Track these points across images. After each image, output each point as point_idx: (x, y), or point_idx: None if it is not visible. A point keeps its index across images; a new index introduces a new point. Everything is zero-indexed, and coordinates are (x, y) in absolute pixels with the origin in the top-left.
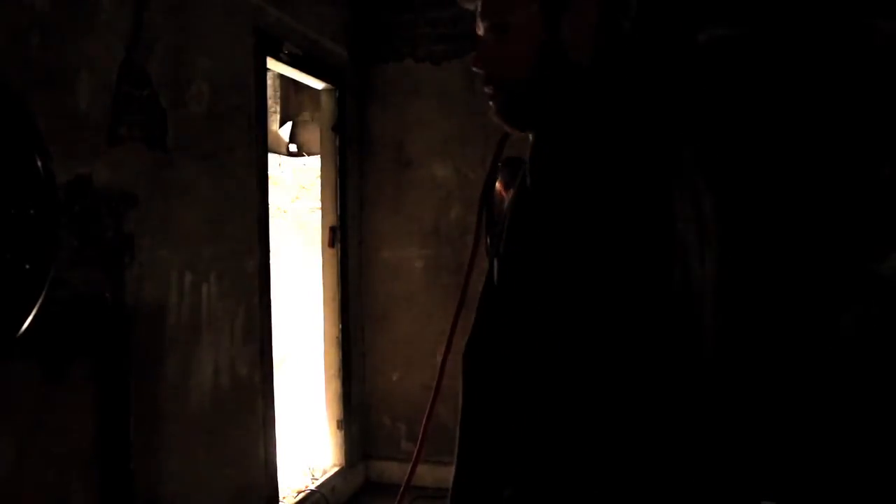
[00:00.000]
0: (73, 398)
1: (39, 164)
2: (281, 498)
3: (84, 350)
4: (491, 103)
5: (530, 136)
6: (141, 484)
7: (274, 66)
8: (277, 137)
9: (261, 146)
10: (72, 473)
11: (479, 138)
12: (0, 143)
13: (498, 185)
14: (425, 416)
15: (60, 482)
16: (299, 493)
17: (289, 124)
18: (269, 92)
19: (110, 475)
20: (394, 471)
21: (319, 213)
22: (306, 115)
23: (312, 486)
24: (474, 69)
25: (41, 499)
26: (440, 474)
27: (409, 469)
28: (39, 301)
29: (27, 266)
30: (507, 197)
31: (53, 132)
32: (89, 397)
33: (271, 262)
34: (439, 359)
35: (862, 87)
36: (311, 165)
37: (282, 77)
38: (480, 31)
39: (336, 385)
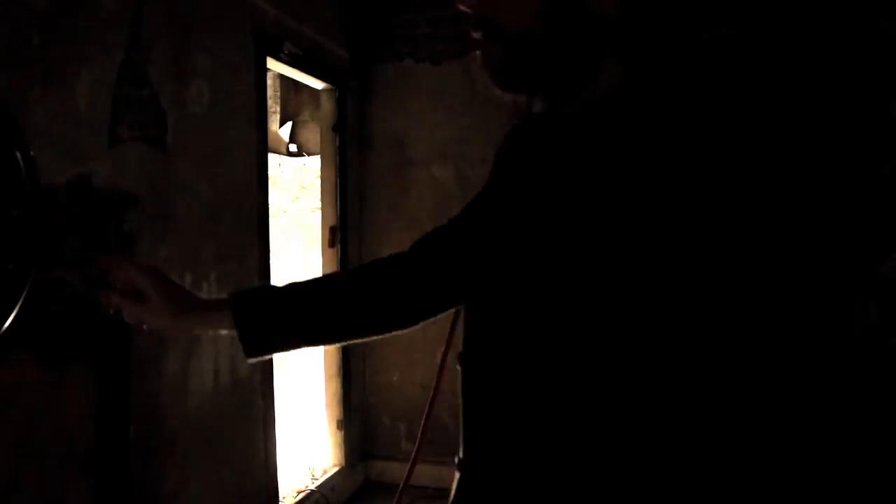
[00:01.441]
0: (73, 398)
1: (22, 164)
2: (281, 498)
3: (84, 350)
4: (479, 52)
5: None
6: (140, 484)
7: (274, 66)
8: (277, 137)
9: (261, 146)
10: (71, 473)
11: (479, 138)
12: None
13: None
14: (424, 415)
15: (59, 482)
16: (299, 493)
17: (289, 124)
18: (269, 92)
19: (109, 475)
20: (394, 471)
21: (319, 213)
22: (306, 115)
23: (312, 486)
24: (460, 7)
25: (40, 499)
26: (440, 474)
27: (408, 469)
28: (19, 302)
29: (10, 267)
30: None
31: (53, 132)
32: (89, 397)
33: (271, 262)
34: (439, 359)
35: (862, 86)
36: (311, 165)
37: (282, 77)
38: None
39: (336, 385)
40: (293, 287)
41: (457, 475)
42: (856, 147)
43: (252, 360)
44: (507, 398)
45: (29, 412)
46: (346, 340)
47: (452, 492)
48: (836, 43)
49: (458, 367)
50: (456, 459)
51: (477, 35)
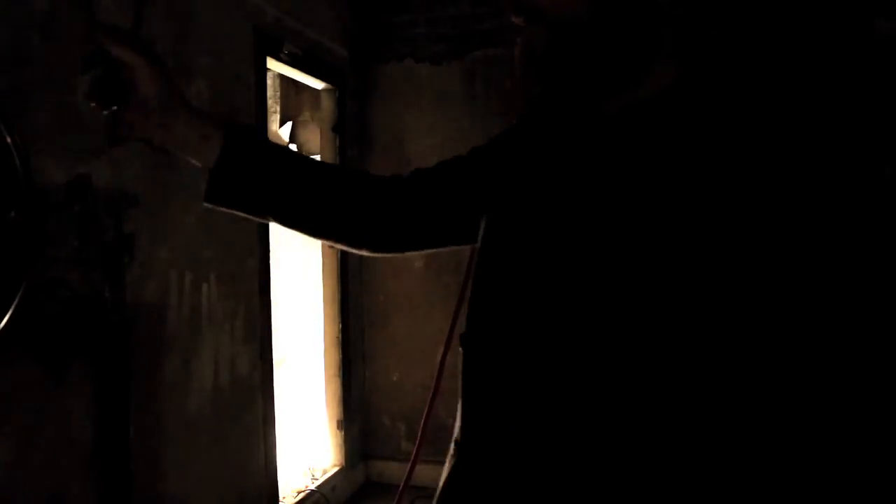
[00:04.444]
0: (73, 398)
1: (18, 164)
2: (281, 498)
3: (84, 350)
4: (519, 40)
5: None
6: (141, 484)
7: (274, 66)
8: (277, 137)
9: None
10: (71, 473)
11: (479, 139)
12: None
13: None
14: (424, 415)
15: (60, 482)
16: (299, 493)
17: (289, 124)
18: (269, 92)
19: (110, 475)
20: (394, 471)
21: None
22: (306, 115)
23: (312, 486)
24: None
25: (41, 499)
26: (440, 474)
27: (408, 469)
28: (14, 305)
29: (3, 269)
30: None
31: (53, 132)
32: (89, 397)
33: (271, 262)
34: (439, 359)
35: (863, 86)
36: None
37: (282, 77)
38: None
39: (336, 385)
40: (290, 153)
41: (450, 457)
42: (860, 148)
43: (207, 205)
44: (509, 381)
45: (29, 412)
46: (318, 236)
47: (445, 473)
48: (836, 42)
49: (460, 349)
50: (453, 442)
51: (518, 20)
